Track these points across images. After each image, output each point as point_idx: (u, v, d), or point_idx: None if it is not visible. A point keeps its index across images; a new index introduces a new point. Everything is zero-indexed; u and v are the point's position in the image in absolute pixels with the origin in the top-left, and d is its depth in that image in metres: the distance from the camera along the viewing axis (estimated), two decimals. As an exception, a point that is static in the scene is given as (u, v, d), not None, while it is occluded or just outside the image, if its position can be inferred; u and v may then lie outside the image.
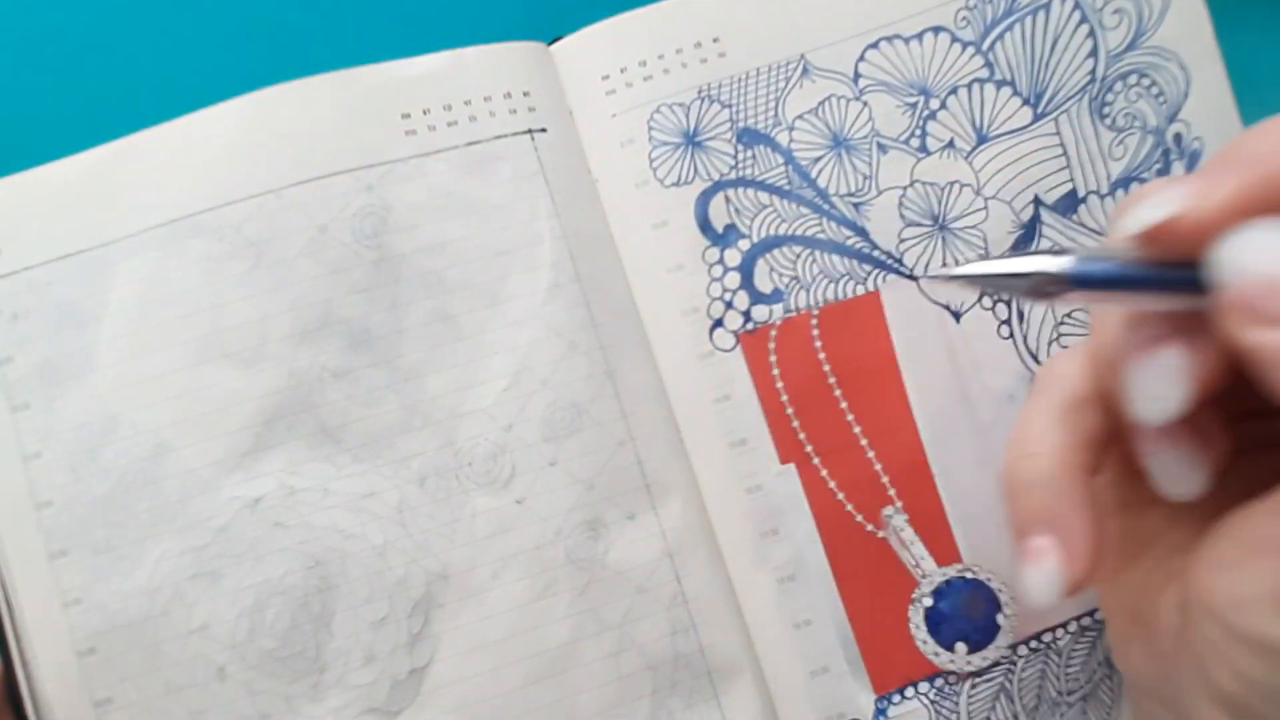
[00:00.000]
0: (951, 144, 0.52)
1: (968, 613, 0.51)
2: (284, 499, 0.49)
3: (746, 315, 0.52)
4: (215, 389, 0.49)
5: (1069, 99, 0.53)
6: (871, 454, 0.52)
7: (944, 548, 0.52)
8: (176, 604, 0.48)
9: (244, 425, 0.49)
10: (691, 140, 0.52)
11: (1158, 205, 0.30)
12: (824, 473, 0.52)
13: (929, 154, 0.53)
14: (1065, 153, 0.53)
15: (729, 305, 0.52)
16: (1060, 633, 0.52)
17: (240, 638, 0.48)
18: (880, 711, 0.51)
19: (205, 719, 0.48)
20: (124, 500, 0.48)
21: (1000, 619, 0.51)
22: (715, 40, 0.52)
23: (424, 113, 0.51)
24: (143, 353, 0.49)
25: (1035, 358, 0.52)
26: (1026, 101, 0.53)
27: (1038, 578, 0.37)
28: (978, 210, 0.52)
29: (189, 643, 0.48)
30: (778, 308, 0.52)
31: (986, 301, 0.52)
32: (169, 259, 0.49)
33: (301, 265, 0.50)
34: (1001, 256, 0.46)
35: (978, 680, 0.52)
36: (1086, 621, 0.52)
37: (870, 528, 0.52)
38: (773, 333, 0.52)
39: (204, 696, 0.48)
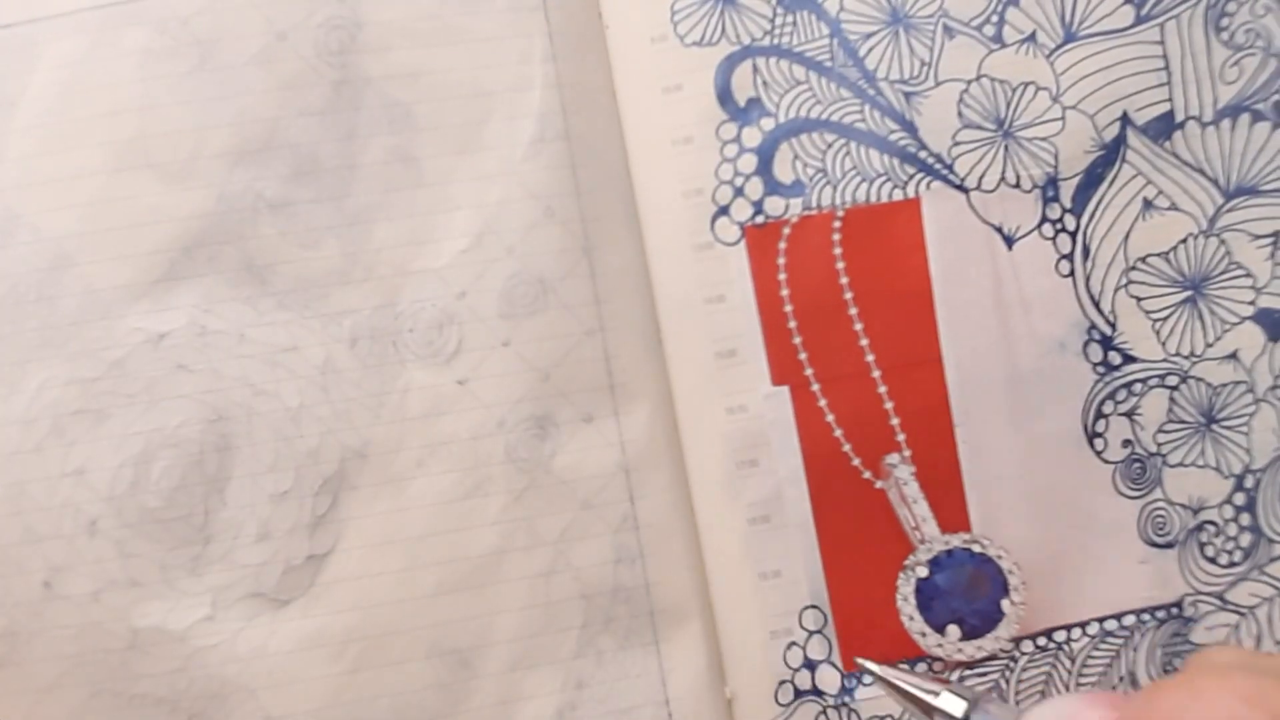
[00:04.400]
0: (1033, 38, 0.44)
1: (968, 591, 0.43)
2: (192, 339, 0.42)
3: (758, 206, 0.44)
4: (133, 202, 0.42)
5: (1182, 3, 0.45)
6: (883, 389, 0.44)
7: (952, 511, 0.45)
8: (53, 441, 0.42)
9: (159, 248, 0.43)
10: (725, -6, 0.44)
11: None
12: (822, 402, 0.43)
13: (1004, 46, 0.45)
14: (1167, 66, 0.45)
15: (739, 192, 0.44)
16: (1077, 633, 0.45)
17: (119, 490, 0.42)
18: (847, 690, 0.44)
19: (64, 577, 0.41)
20: (12, 314, 0.42)
21: (1006, 605, 0.43)
22: (766, -126, 0.44)
23: (416, -84, 0.43)
24: (57, 149, 0.43)
25: (1097, 304, 0.43)
26: None
27: None
28: (1053, 120, 0.44)
29: (60, 487, 0.41)
30: (796, 202, 0.44)
31: (1048, 229, 0.42)
32: (102, 47, 0.43)
33: (251, 75, 0.43)
34: (918, 675, 0.40)
35: (967, 673, 0.44)
36: (1111, 625, 0.44)
37: (868, 475, 0.44)
38: (786, 230, 0.44)
39: (68, 551, 0.42)
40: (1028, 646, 0.45)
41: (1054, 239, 0.45)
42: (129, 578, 0.42)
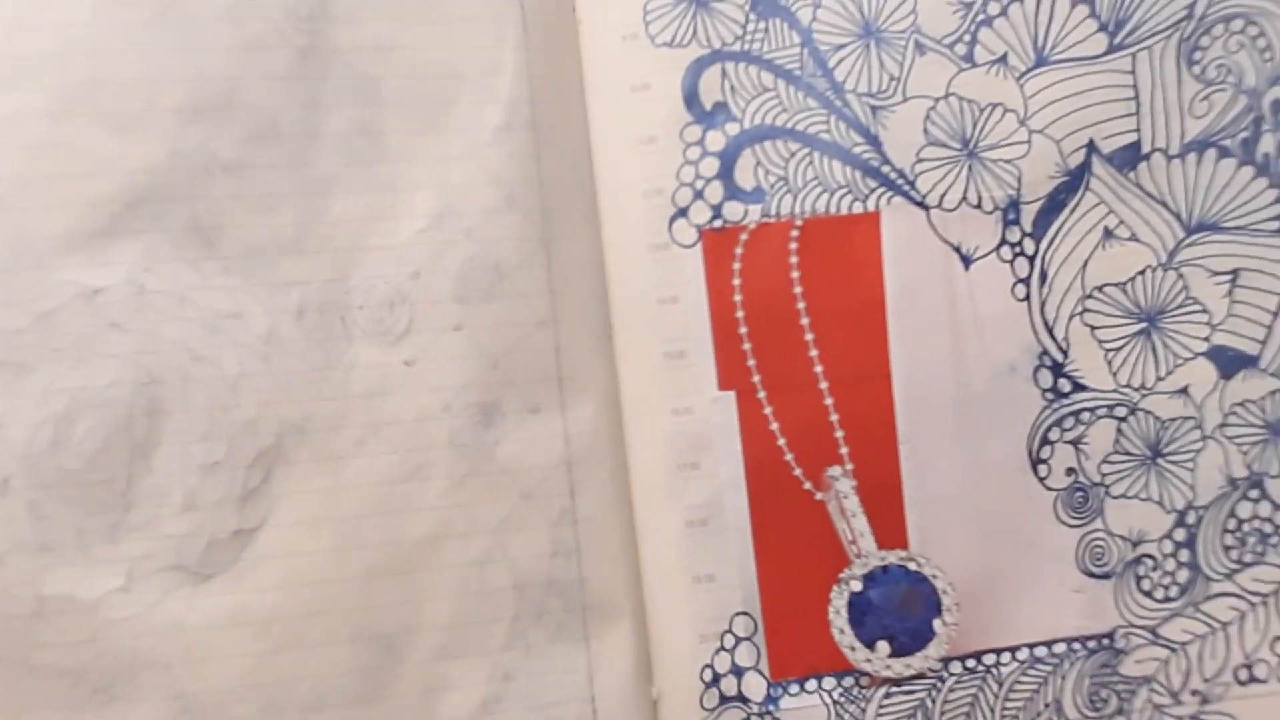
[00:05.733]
0: (1004, 59, 0.42)
1: (900, 609, 0.41)
2: (130, 297, 0.38)
3: (717, 210, 0.41)
4: (77, 150, 0.39)
5: (1155, 34, 0.43)
6: (829, 400, 0.41)
7: (891, 528, 0.42)
8: (-30, 392, 0.36)
9: (101, 200, 0.39)
10: (699, -4, 0.40)
11: None
12: (768, 410, 0.41)
13: (975, 65, 0.42)
14: (1137, 97, 0.43)
15: (699, 195, 0.41)
16: (1007, 657, 0.42)
17: (38, 448, 0.37)
18: (771, 699, 0.41)
19: (-30, 537, 0.36)
20: (-63, 254, 0.37)
21: (937, 625, 0.40)
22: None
23: (398, -114, 0.40)
24: (1, 87, 0.37)
25: (1050, 330, 0.41)
26: (1104, 27, 0.43)
27: None
28: (1019, 143, 0.42)
29: (-27, 441, 0.36)
30: (755, 209, 0.41)
31: (1006, 252, 0.40)
32: None
33: (216, 31, 0.40)
34: None
35: (894, 690, 0.42)
36: (1042, 652, 0.42)
37: (808, 486, 0.41)
38: (743, 236, 0.41)
39: (-26, 509, 0.36)
40: (956, 668, 0.42)
41: (1012, 262, 0.42)
42: (40, 541, 0.38)
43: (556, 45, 0.42)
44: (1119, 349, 0.43)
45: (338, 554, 0.39)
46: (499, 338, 0.41)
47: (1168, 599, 0.43)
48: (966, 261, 0.42)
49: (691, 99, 0.42)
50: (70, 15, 0.39)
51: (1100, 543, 0.42)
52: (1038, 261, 0.42)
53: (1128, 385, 0.43)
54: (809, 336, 0.42)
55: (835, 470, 0.42)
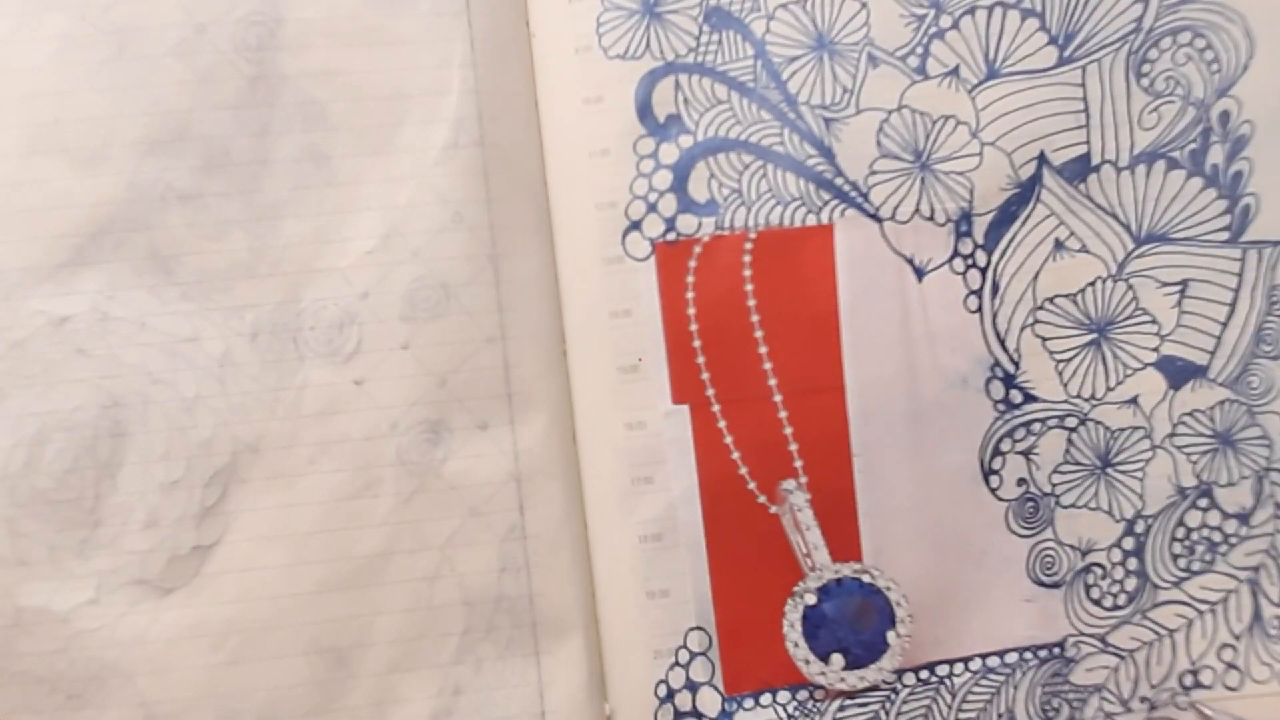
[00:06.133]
0: (956, 72, 0.48)
1: (854, 621, 0.47)
2: (94, 324, 0.46)
3: (670, 223, 0.47)
4: (43, 185, 0.47)
5: (1104, 47, 0.49)
6: (784, 414, 0.47)
7: (845, 541, 0.49)
8: (-51, 417, 0.45)
9: (67, 232, 0.47)
10: (651, 9, 0.47)
11: None
12: (722, 423, 0.47)
13: (927, 78, 0.48)
14: (1087, 109, 0.49)
15: (652, 207, 0.48)
16: (959, 668, 0.48)
17: (12, 469, 0.46)
18: (726, 714, 0.48)
19: (-49, 551, 0.44)
20: (-84, 289, 0.45)
21: (891, 637, 0.46)
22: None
23: (342, -87, 0.47)
24: (-28, 129, 0.45)
25: (1002, 341, 0.46)
26: (1054, 40, 0.49)
27: None
28: (970, 155, 0.48)
29: (-48, 463, 0.44)
30: (709, 221, 0.47)
31: (959, 264, 0.46)
32: (22, 30, 0.47)
33: (168, 66, 0.47)
34: None
35: (848, 703, 0.48)
36: (994, 662, 0.48)
37: (763, 499, 0.47)
38: (696, 249, 0.47)
39: (-44, 526, 0.44)
40: (910, 679, 0.48)
41: (964, 274, 0.48)
42: (17, 556, 0.46)
43: (507, 60, 0.49)
44: (1069, 360, 0.48)
45: (291, 569, 0.47)
46: (447, 356, 0.48)
47: (1116, 607, 0.49)
48: (919, 273, 0.48)
49: (645, 111, 0.49)
50: (34, 59, 0.47)
51: (1050, 552, 0.48)
52: (989, 273, 0.48)
53: (1078, 396, 0.48)
54: (763, 349, 0.48)
55: (789, 483, 0.48)
